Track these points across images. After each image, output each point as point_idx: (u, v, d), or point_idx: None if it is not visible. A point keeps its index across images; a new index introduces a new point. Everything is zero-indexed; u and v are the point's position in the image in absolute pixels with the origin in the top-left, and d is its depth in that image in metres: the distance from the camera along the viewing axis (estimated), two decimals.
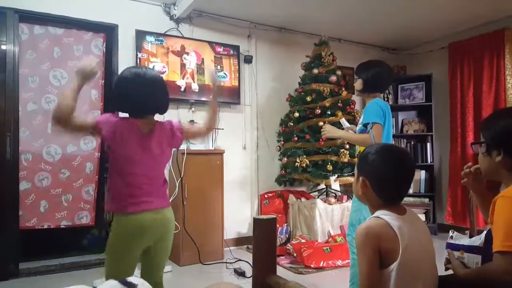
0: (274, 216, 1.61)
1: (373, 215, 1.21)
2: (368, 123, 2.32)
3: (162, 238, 1.81)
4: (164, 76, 3.63)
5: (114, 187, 1.76)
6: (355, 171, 1.33)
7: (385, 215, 1.17)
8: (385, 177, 1.22)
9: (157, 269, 1.88)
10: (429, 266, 1.20)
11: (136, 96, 1.74)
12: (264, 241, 1.56)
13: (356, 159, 2.74)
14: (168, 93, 1.88)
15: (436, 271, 1.22)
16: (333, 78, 4.04)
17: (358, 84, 2.50)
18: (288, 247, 3.71)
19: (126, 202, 1.71)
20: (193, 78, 3.92)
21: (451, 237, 1.39)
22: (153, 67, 3.60)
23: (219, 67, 4.07)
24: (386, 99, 5.05)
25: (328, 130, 2.58)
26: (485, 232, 1.27)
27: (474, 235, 1.45)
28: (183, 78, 3.86)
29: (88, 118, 1.74)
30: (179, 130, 1.90)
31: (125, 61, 3.66)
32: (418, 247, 1.15)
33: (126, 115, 1.81)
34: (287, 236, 3.96)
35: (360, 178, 1.26)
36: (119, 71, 3.60)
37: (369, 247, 1.12)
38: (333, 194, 4.20)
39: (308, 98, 4.01)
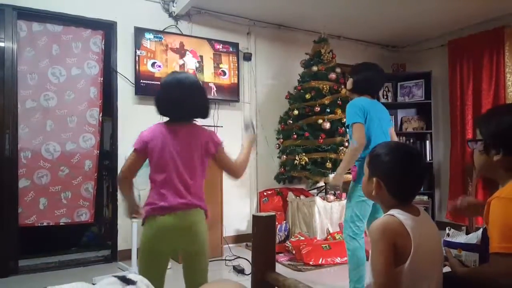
0: (273, 213, 1.61)
1: (388, 213, 1.20)
2: (349, 126, 2.39)
3: (188, 242, 1.77)
4: (163, 74, 3.63)
5: (150, 191, 1.78)
6: (366, 171, 1.30)
7: (400, 215, 1.16)
8: (400, 177, 1.21)
9: (194, 272, 1.82)
10: (437, 268, 1.20)
11: (173, 100, 1.78)
12: (263, 238, 1.56)
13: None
14: (207, 98, 1.91)
15: (441, 273, 1.22)
16: (333, 75, 4.03)
17: (348, 83, 2.57)
18: (287, 245, 3.72)
19: (151, 204, 1.72)
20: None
21: (448, 234, 1.40)
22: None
23: (218, 65, 4.07)
24: (385, 96, 5.05)
25: (332, 182, 2.68)
26: (481, 229, 1.27)
27: (472, 232, 1.45)
28: None
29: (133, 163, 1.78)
30: (215, 144, 1.88)
31: (124, 58, 3.67)
32: (428, 249, 1.15)
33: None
34: (286, 233, 3.96)
35: (374, 179, 1.24)
36: (118, 68, 3.64)
37: (385, 242, 1.11)
38: (332, 192, 4.20)
39: (307, 96, 4.01)
